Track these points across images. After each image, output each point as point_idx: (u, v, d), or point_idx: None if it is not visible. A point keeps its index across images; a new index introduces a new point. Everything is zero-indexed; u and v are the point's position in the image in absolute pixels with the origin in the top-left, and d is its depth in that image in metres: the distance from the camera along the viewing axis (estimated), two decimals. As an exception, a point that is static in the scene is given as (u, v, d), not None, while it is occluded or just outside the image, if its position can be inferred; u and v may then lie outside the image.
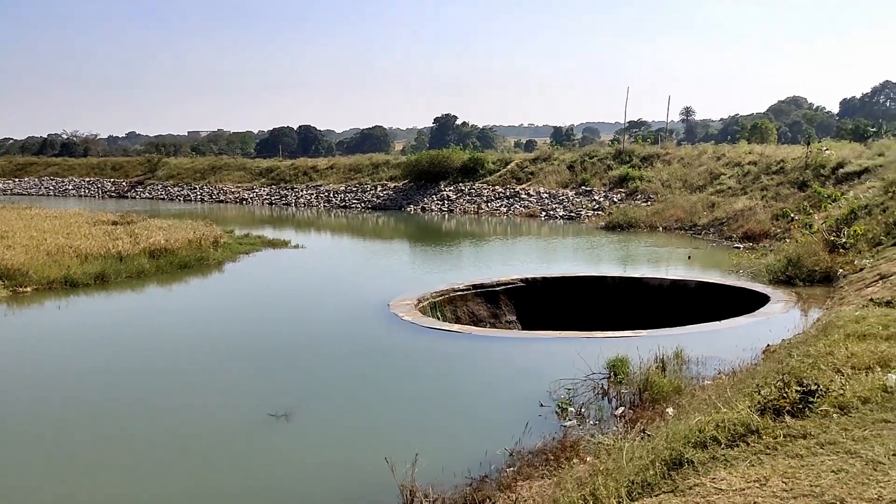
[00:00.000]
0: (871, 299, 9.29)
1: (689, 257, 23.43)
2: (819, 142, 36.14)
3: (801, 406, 4.86)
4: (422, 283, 19.31)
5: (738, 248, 24.87)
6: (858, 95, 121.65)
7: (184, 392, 11.49)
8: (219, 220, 37.75)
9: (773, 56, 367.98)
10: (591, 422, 9.56)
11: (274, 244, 28.05)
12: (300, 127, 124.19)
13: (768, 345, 11.99)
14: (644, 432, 6.70)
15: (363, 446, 9.15)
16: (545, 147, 50.33)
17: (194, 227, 27.78)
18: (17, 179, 67.62)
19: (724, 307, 16.24)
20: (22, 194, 61.39)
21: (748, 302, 16.51)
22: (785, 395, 4.95)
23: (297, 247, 27.78)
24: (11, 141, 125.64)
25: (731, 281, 18.76)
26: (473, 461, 8.23)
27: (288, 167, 55.15)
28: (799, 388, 4.96)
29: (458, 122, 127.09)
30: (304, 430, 9.82)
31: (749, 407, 5.13)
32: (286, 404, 10.26)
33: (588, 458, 7.64)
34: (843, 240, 18.95)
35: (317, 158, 63.05)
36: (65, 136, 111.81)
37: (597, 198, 37.78)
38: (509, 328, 18.13)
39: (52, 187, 64.17)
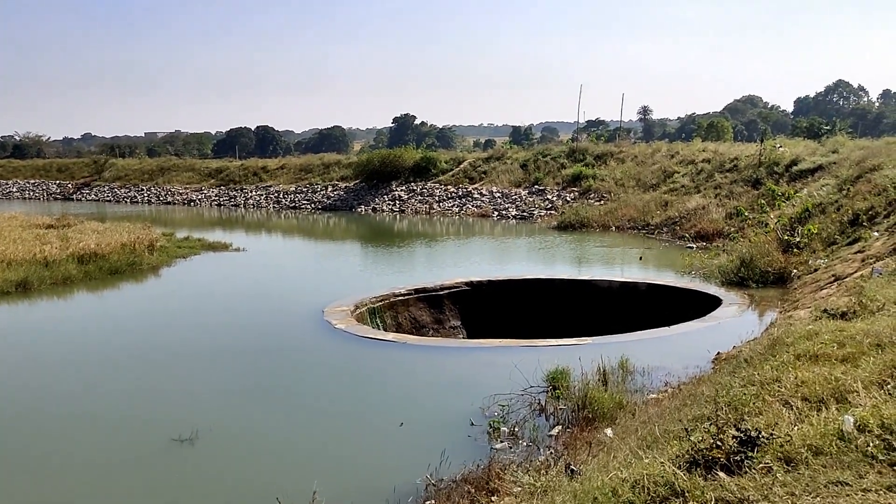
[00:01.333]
0: (825, 310, 8.49)
1: (641, 258, 22.77)
2: (773, 139, 35.74)
3: (738, 458, 3.90)
4: (365, 286, 18.32)
5: (692, 247, 24.23)
6: (812, 94, 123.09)
7: (81, 413, 10.40)
8: (165, 222, 36.53)
9: (729, 56, 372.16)
10: (525, 443, 8.70)
11: (214, 247, 26.94)
12: (258, 127, 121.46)
13: (719, 352, 11.34)
14: (569, 468, 5.80)
15: (266, 478, 8.12)
16: (500, 146, 49.41)
17: (130, 229, 26.58)
18: (-41, 183, 65.27)
19: (676, 310, 15.57)
20: (-37, 198, 59.30)
21: (700, 305, 15.86)
22: (720, 443, 4.02)
23: (238, 250, 26.60)
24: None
25: (682, 283, 18.07)
26: (386, 494, 7.33)
27: (237, 168, 53.64)
28: (737, 435, 4.02)
29: (417, 122, 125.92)
30: (204, 459, 8.75)
31: (677, 456, 4.19)
32: (193, 426, 9.25)
33: (515, 490, 6.79)
34: (797, 239, 18.37)
35: (269, 159, 61.37)
36: (17, 138, 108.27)
37: (550, 197, 37.03)
38: (453, 334, 17.26)
39: (-6, 190, 62.09)
